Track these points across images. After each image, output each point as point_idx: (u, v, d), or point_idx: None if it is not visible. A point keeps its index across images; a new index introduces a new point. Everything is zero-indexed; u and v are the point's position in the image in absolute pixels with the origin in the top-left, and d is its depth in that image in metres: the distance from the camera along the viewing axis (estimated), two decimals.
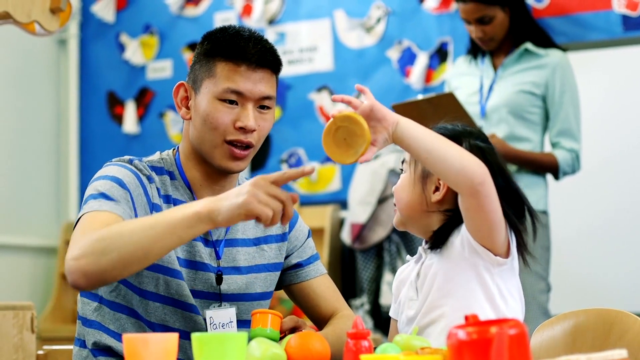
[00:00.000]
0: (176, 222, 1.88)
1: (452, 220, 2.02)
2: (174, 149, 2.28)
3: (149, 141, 5.89)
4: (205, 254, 2.18)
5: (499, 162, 2.04)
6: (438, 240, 2.02)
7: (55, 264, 5.79)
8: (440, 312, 1.99)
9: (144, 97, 5.93)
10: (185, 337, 2.07)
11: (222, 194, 1.89)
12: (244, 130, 2.14)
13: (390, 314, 2.17)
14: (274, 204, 1.85)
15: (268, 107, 2.19)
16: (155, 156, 2.26)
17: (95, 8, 6.05)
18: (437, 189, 2.04)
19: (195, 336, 1.53)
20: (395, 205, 2.11)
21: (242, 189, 1.85)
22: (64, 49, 6.11)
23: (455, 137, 2.05)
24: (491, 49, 4.04)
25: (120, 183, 2.09)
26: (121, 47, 6.02)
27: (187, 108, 2.21)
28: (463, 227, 1.98)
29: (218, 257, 2.21)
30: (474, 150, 2.01)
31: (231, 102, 2.14)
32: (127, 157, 2.19)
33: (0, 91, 5.63)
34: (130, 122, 5.92)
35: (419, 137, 1.89)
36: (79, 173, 6.07)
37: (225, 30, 2.20)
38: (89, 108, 6.09)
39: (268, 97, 2.18)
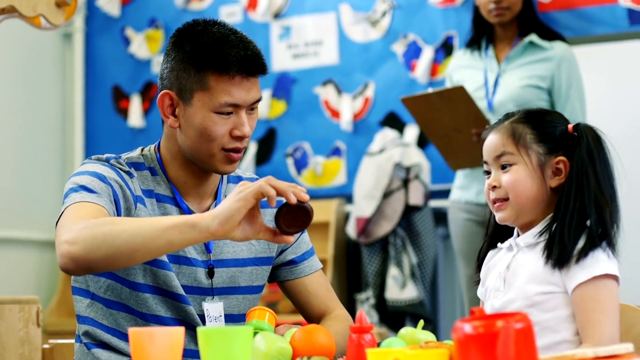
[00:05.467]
0: (168, 226, 1.89)
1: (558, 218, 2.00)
2: (155, 146, 2.26)
3: (154, 135, 5.88)
4: (191, 248, 2.18)
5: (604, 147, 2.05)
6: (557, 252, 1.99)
7: None
8: None
9: (149, 91, 5.93)
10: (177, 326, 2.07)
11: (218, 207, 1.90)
12: (240, 138, 2.14)
13: (478, 294, 2.16)
14: (283, 185, 1.88)
15: (255, 108, 2.18)
16: (136, 152, 2.25)
17: (100, 2, 6.05)
18: (554, 173, 2.04)
19: (201, 330, 1.53)
20: (498, 202, 2.06)
21: (247, 186, 1.88)
22: (69, 43, 6.11)
23: (553, 116, 2.08)
24: (502, 21, 4.01)
25: (101, 178, 2.10)
26: (126, 41, 6.02)
27: (175, 116, 2.17)
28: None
29: (209, 250, 2.21)
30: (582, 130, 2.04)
31: (228, 113, 2.13)
32: (104, 156, 2.19)
33: (6, 85, 5.64)
34: (135, 115, 5.92)
35: None
36: (78, 168, 6.06)
37: (206, 34, 2.13)
38: (94, 102, 6.09)
39: (258, 100, 2.17)
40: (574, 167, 2.02)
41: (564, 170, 2.03)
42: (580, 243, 1.96)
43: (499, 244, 2.13)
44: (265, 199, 1.87)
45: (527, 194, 2.04)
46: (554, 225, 1.99)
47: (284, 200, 1.90)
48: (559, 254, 1.96)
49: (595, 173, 2.01)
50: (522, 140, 2.05)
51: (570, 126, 2.07)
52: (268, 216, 2.22)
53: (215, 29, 2.15)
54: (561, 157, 2.04)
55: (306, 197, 1.90)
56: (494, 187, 2.07)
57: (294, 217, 1.92)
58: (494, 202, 2.07)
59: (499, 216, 2.08)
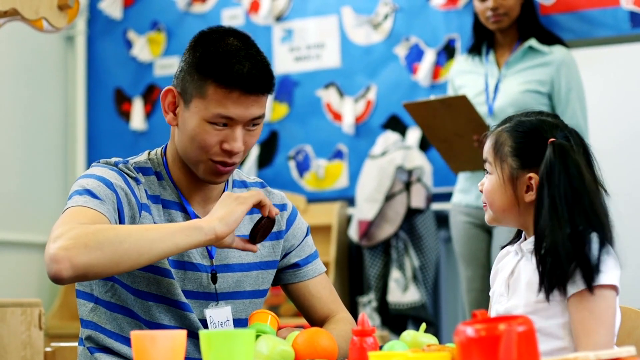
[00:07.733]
0: (174, 230, 1.96)
1: None
2: (162, 149, 2.25)
3: (156, 138, 5.89)
4: (195, 253, 2.18)
5: (577, 164, 1.97)
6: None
7: None
8: None
9: (151, 94, 5.93)
10: None
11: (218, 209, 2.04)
12: (229, 152, 2.11)
13: (490, 294, 2.15)
14: (268, 199, 2.10)
15: (257, 124, 2.15)
16: (143, 156, 2.24)
17: (102, 5, 6.05)
18: (528, 188, 2.01)
19: (203, 333, 1.53)
20: (484, 203, 2.09)
21: (244, 193, 2.07)
22: (72, 46, 6.12)
23: (538, 129, 2.02)
24: (501, 27, 4.03)
25: (107, 184, 2.09)
26: (128, 44, 6.02)
27: (174, 113, 2.17)
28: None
29: (211, 256, 2.20)
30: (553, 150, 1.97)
31: (223, 124, 2.10)
32: (113, 160, 2.19)
33: (8, 88, 5.64)
34: (137, 118, 5.93)
35: None
36: (86, 170, 6.06)
37: (219, 44, 2.12)
38: (96, 105, 6.09)
39: (258, 117, 2.13)
40: (540, 184, 1.98)
41: (534, 186, 2.00)
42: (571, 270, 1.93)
43: (507, 247, 2.13)
44: None
45: (498, 205, 2.04)
46: (541, 249, 1.95)
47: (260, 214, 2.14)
48: (554, 289, 1.94)
49: (561, 187, 1.95)
50: (500, 151, 2.04)
51: (549, 141, 2.01)
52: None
53: (231, 40, 2.13)
54: (532, 174, 2.00)
55: (277, 211, 2.12)
56: (481, 190, 2.10)
57: (264, 230, 2.12)
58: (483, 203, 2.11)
59: (485, 217, 2.11)
